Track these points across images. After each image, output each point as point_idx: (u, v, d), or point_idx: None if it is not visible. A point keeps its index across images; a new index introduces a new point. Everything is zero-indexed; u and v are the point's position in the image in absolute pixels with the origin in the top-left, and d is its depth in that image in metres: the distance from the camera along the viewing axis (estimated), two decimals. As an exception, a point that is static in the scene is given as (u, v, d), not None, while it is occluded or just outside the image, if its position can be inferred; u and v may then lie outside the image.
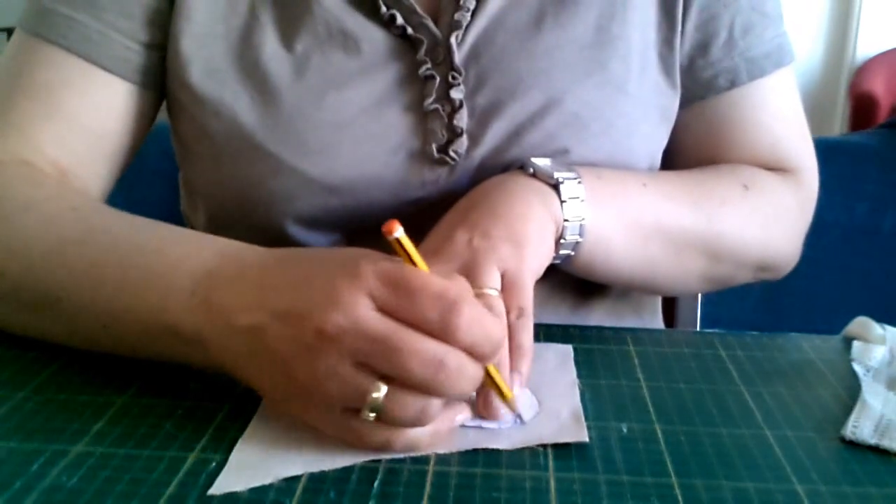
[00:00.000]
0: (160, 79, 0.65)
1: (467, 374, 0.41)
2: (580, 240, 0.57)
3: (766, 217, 0.66)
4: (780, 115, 0.69)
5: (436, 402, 0.41)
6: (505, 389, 0.45)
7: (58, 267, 0.52)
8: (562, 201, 0.56)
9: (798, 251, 0.70)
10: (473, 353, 0.41)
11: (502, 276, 0.50)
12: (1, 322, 0.56)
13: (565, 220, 0.56)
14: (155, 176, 0.87)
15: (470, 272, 0.49)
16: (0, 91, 0.63)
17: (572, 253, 0.58)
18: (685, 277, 0.65)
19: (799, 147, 0.70)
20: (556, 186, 0.56)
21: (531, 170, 0.58)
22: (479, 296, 0.48)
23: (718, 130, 0.68)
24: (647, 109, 0.65)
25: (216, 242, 0.50)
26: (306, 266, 0.44)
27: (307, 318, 0.41)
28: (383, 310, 0.40)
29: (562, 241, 0.56)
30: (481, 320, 0.41)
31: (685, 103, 0.68)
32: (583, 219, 0.57)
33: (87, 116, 0.63)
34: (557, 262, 0.58)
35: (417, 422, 0.42)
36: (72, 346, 0.53)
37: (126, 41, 0.63)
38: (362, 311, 0.40)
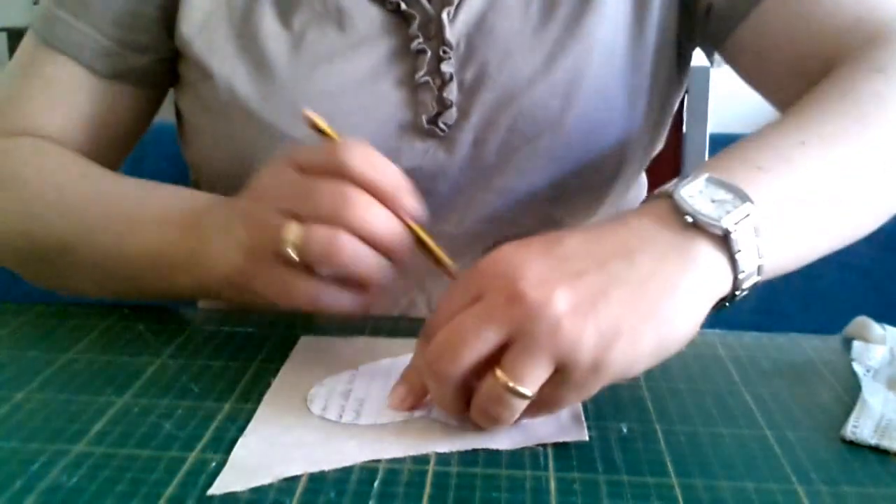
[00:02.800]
0: (155, 78, 0.70)
1: (370, 209, 0.47)
2: (759, 279, 0.45)
3: None
4: None
5: (351, 240, 0.46)
6: (439, 254, 0.50)
7: (73, 224, 0.60)
8: (735, 252, 0.43)
9: None
10: (374, 191, 0.47)
11: (555, 371, 0.41)
12: (27, 275, 0.65)
13: (741, 273, 0.44)
14: (155, 176, 0.87)
15: (521, 353, 0.40)
16: (12, 85, 0.69)
17: (748, 293, 0.46)
18: (881, 202, 0.54)
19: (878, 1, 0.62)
20: (724, 238, 0.44)
21: (689, 219, 0.44)
22: (504, 387, 0.41)
23: (790, 15, 0.62)
24: (643, 71, 0.65)
25: (203, 193, 0.59)
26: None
27: (250, 191, 0.51)
28: (301, 169, 0.49)
29: (736, 293, 0.45)
30: (370, 159, 0.48)
31: (745, 12, 0.63)
32: (762, 257, 0.45)
33: (85, 111, 0.68)
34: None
35: (330, 255, 0.46)
36: (85, 294, 0.63)
37: (119, 48, 0.67)
38: (283, 169, 0.49)
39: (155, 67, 0.69)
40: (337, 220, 0.46)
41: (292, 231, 0.47)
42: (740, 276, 0.44)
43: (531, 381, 0.41)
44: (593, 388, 0.42)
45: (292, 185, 0.48)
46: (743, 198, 0.44)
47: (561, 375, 0.41)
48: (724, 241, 0.43)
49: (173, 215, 0.57)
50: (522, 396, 0.41)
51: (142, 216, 0.58)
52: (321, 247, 0.46)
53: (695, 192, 0.45)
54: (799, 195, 0.48)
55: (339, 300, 0.49)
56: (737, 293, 0.45)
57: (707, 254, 0.43)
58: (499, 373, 0.41)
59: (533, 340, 0.40)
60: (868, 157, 0.52)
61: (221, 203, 0.55)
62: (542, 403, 0.42)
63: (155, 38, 0.67)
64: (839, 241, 0.53)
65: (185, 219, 0.56)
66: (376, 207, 0.47)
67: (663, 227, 0.44)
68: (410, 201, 0.49)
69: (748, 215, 0.44)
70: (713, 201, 0.44)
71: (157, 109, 0.73)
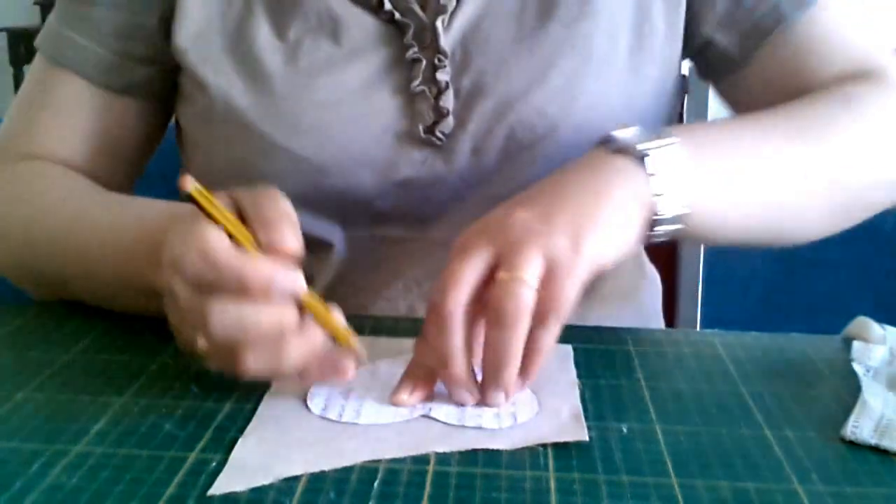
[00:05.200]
0: (161, 91, 0.70)
1: (265, 327, 0.44)
2: (687, 211, 0.52)
3: (877, 125, 0.62)
4: (840, 25, 0.66)
5: (248, 355, 0.44)
6: (337, 332, 0.47)
7: (58, 253, 0.61)
8: (649, 174, 0.51)
9: None
10: (262, 292, 0.44)
11: (547, 267, 0.46)
12: (34, 294, 0.66)
13: (657, 195, 0.51)
14: (155, 177, 0.88)
15: (510, 252, 0.46)
16: (23, 109, 0.70)
17: (679, 226, 0.53)
18: (812, 213, 0.60)
19: (870, 47, 0.67)
20: (641, 159, 0.51)
21: (614, 145, 0.53)
22: (508, 280, 0.46)
23: (785, 68, 0.66)
24: (643, 81, 0.65)
25: (166, 209, 0.56)
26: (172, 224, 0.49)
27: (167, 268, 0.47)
28: (193, 285, 0.45)
29: (657, 216, 0.51)
30: (202, 253, 0.44)
31: (744, 61, 0.66)
32: (681, 188, 0.52)
33: (92, 126, 0.68)
34: (663, 239, 0.54)
35: (235, 370, 0.45)
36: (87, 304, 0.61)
37: (123, 61, 0.67)
38: (176, 285, 0.46)
39: (160, 79, 0.68)
40: (237, 342, 0.44)
41: (201, 345, 0.45)
42: (657, 199, 0.51)
43: (528, 269, 0.46)
44: (581, 272, 0.47)
45: (186, 311, 0.46)
46: (667, 136, 0.52)
47: (550, 266, 0.46)
48: (642, 161, 0.51)
49: (142, 244, 0.54)
50: (525, 283, 0.45)
51: (112, 246, 0.57)
52: (225, 365, 0.46)
53: (626, 134, 0.53)
54: (726, 152, 0.56)
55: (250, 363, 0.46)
56: (657, 215, 0.51)
57: (629, 167, 0.51)
58: (501, 273, 0.46)
59: (516, 239, 0.47)
60: (800, 159, 0.58)
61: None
62: (547, 305, 0.46)
63: (157, 48, 0.67)
64: (777, 213, 0.58)
65: (149, 248, 0.52)
66: (269, 318, 0.44)
67: (593, 156, 0.53)
68: (298, 285, 0.46)
69: (671, 147, 0.52)
70: (637, 139, 0.53)
71: (166, 124, 0.73)
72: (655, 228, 0.52)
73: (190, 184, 0.45)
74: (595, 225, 0.48)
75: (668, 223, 0.52)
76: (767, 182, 0.57)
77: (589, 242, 0.48)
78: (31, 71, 0.70)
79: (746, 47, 0.66)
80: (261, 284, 0.44)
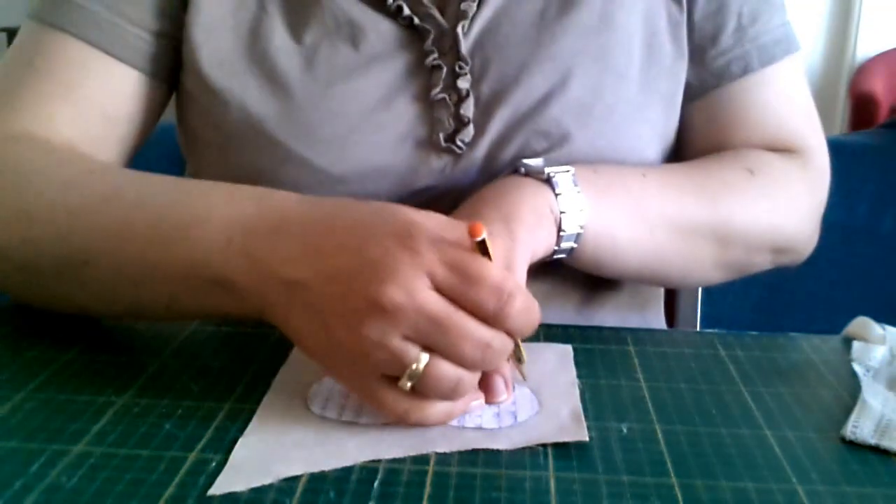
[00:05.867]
0: (169, 69, 0.66)
1: (506, 351, 0.44)
2: (581, 230, 0.56)
3: (774, 199, 0.65)
4: (786, 97, 0.69)
5: (470, 377, 0.44)
6: (523, 353, 0.48)
7: (85, 228, 0.52)
8: (556, 194, 0.56)
9: (814, 232, 0.69)
10: (514, 335, 0.45)
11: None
12: (22, 293, 0.58)
13: (562, 212, 0.55)
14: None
15: None
16: (12, 75, 0.64)
17: (576, 245, 0.57)
18: (698, 266, 0.64)
19: (805, 126, 0.70)
20: (548, 181, 0.56)
21: (522, 170, 0.58)
22: None
23: (725, 117, 0.68)
24: (653, 95, 0.65)
25: (250, 191, 0.51)
26: (355, 228, 0.45)
27: (360, 284, 0.42)
28: (441, 290, 0.42)
29: (561, 232, 0.56)
30: (529, 309, 0.44)
31: (698, 94, 0.68)
32: (581, 209, 0.56)
33: (99, 99, 0.63)
34: (563, 255, 0.57)
35: (451, 394, 0.44)
36: (92, 314, 0.56)
37: (135, 30, 0.63)
38: (422, 292, 0.42)
39: (174, 58, 0.65)
40: (474, 366, 0.44)
41: (420, 363, 0.42)
42: (563, 215, 0.55)
43: None
44: (523, 254, 0.51)
45: (435, 318, 0.42)
46: (569, 169, 0.57)
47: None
48: (548, 182, 0.56)
49: (213, 224, 0.48)
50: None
51: (169, 222, 0.50)
52: (446, 388, 0.43)
53: (533, 162, 0.58)
54: (623, 190, 0.59)
55: (430, 416, 0.45)
56: (562, 231, 0.55)
57: (540, 186, 0.56)
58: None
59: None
60: (692, 215, 0.62)
61: (287, 234, 0.46)
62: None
63: (176, 24, 0.64)
64: (661, 259, 0.62)
65: (229, 232, 0.47)
66: (508, 349, 0.45)
67: (507, 178, 0.57)
68: None
69: (572, 175, 0.57)
70: (544, 165, 0.57)
71: (164, 107, 0.69)
72: (561, 243, 0.56)
73: (482, 232, 0.43)
74: (519, 218, 0.53)
75: (567, 240, 0.56)
76: (660, 227, 0.60)
77: (519, 229, 0.52)
78: (22, 41, 0.64)
79: (706, 83, 0.68)
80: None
